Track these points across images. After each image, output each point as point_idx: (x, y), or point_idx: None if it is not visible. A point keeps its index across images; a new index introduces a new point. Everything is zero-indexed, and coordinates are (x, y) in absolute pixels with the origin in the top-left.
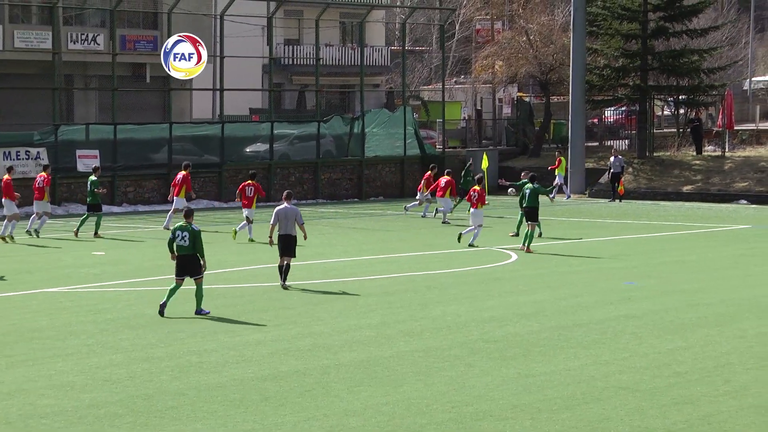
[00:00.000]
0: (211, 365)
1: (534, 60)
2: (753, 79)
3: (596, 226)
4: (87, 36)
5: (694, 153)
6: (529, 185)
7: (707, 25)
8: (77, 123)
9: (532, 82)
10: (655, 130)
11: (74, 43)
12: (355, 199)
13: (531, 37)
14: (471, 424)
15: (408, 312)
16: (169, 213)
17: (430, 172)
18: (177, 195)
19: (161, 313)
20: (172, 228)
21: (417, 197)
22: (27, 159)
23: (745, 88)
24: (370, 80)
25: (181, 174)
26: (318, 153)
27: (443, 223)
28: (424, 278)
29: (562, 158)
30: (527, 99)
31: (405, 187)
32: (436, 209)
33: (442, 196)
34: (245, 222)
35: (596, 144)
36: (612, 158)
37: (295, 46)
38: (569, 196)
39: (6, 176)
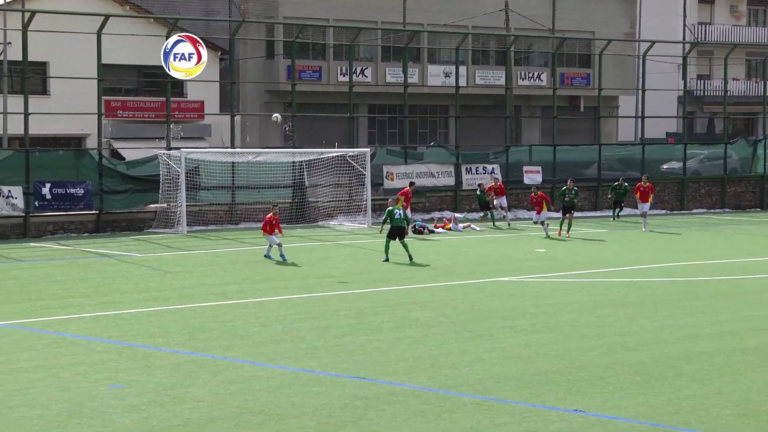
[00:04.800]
0: (634, 344)
1: None
2: None
3: None
4: (533, 74)
5: None
6: None
7: None
8: (523, 144)
9: None
10: None
11: (522, 79)
12: (758, 209)
13: None
14: None
15: None
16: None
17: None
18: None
19: None
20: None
21: None
22: (483, 173)
23: None
24: None
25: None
26: (725, 170)
27: None
28: None
29: None
30: None
31: None
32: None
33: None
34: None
35: None
36: None
37: (705, 80)
38: None
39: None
